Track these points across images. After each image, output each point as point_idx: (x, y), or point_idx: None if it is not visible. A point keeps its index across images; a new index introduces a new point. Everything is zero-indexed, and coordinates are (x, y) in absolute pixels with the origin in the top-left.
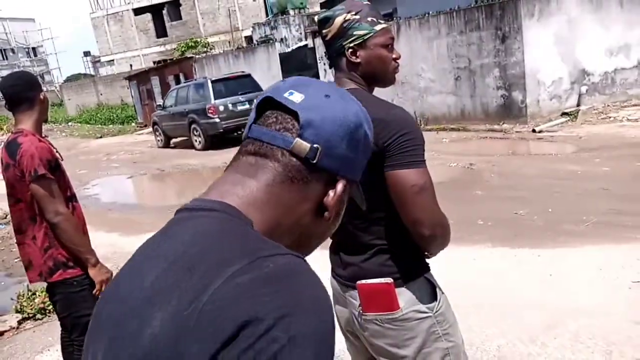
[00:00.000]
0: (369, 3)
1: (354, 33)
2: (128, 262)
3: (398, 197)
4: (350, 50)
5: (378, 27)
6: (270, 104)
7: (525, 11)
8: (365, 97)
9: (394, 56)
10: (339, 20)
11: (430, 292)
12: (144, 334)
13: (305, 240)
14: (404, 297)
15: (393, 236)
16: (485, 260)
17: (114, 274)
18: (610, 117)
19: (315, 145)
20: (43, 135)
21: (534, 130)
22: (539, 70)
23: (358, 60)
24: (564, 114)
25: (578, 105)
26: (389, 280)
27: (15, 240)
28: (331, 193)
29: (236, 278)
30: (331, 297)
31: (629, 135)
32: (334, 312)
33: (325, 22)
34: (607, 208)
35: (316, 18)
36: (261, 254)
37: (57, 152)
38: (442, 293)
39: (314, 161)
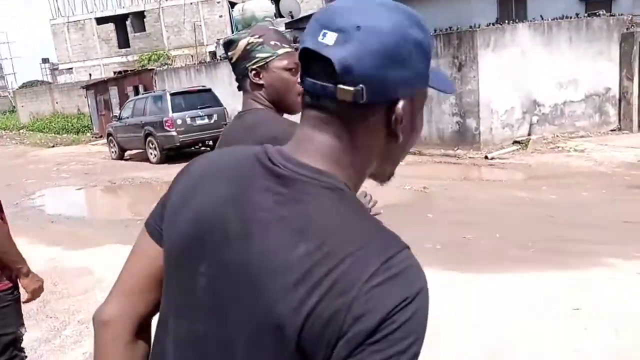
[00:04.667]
0: (275, 28)
1: (257, 55)
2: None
3: None
4: (253, 72)
5: (281, 51)
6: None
7: (481, 41)
8: (267, 116)
9: (299, 81)
10: (242, 43)
11: None
12: (302, 310)
13: (387, 164)
14: None
15: None
16: (431, 283)
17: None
18: (558, 147)
19: (359, 87)
20: None
21: (486, 157)
22: (492, 99)
23: (261, 81)
24: (515, 142)
25: (529, 134)
26: None
27: None
28: (394, 118)
29: (375, 279)
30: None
31: (575, 165)
32: None
33: (230, 45)
34: (553, 235)
35: (221, 41)
36: (389, 253)
37: None
38: None
39: (363, 101)
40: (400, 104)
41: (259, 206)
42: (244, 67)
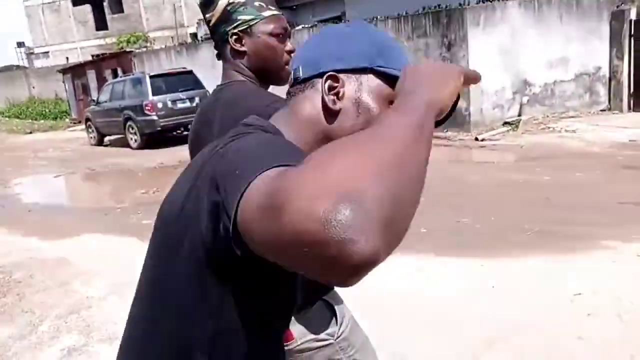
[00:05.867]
0: None
1: (238, 18)
2: None
3: None
4: (234, 37)
5: (266, 13)
6: None
7: (471, 19)
8: (248, 90)
9: (287, 48)
10: (222, 4)
11: (329, 316)
12: None
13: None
14: (298, 325)
15: None
16: (428, 270)
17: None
18: (549, 128)
19: (296, 67)
20: None
21: (476, 139)
22: (482, 79)
23: (243, 48)
24: (505, 123)
25: (519, 115)
26: None
27: None
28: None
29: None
30: None
31: (567, 146)
32: None
33: (208, 5)
34: (549, 217)
35: (198, 1)
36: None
37: None
38: (346, 314)
39: (300, 75)
40: (324, 78)
41: None
42: (223, 32)
